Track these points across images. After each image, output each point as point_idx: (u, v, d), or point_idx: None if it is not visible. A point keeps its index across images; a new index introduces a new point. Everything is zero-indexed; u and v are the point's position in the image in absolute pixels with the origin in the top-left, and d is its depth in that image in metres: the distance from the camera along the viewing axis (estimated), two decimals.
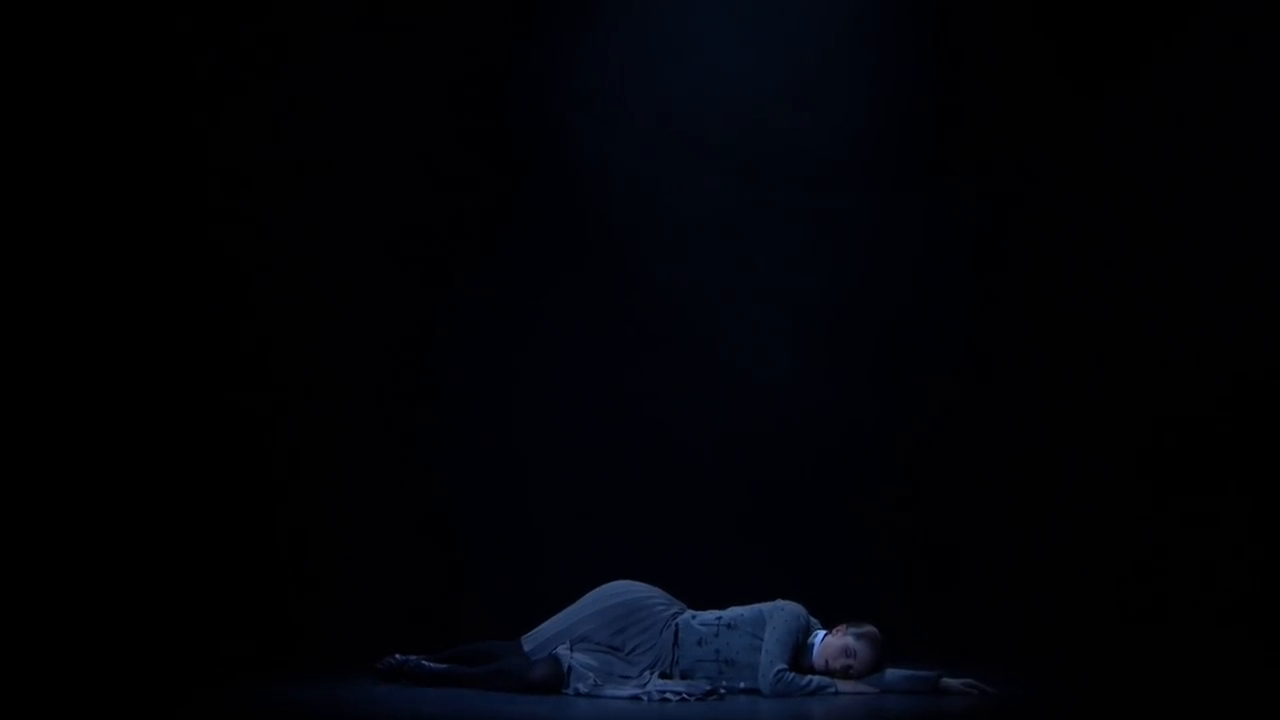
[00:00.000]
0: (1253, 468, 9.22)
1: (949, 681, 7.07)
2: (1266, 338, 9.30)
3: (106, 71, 9.79)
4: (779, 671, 6.95)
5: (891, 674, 7.07)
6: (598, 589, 7.19)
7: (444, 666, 7.17)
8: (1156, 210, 9.49)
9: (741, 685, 7.03)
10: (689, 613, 7.13)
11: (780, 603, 7.11)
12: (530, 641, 7.13)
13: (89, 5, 9.80)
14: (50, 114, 9.74)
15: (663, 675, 7.02)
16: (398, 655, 7.18)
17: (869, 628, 7.08)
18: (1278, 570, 9.09)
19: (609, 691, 6.95)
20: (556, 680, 6.97)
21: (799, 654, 7.04)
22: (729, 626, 7.04)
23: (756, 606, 7.11)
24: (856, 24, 10.04)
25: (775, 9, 10.13)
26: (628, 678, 7.01)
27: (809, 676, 7.01)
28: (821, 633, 7.09)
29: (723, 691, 7.00)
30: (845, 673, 7.03)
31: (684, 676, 7.03)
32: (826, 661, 7.02)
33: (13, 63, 9.63)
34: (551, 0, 10.25)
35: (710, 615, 7.10)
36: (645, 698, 6.91)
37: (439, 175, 10.22)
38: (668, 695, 6.89)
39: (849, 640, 7.03)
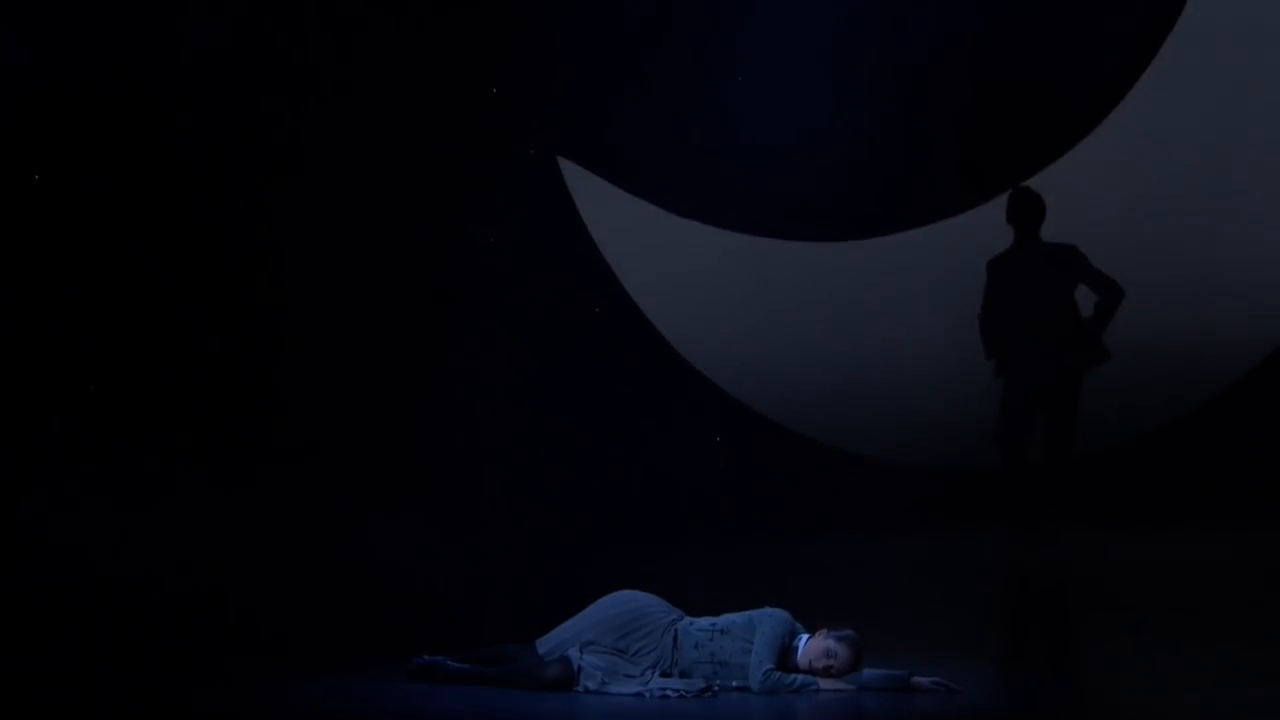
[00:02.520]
0: None
1: (919, 680, 7.14)
2: None
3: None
4: (767, 671, 7.06)
5: (867, 673, 7.16)
6: (604, 598, 7.26)
7: (466, 666, 7.22)
8: None
9: (734, 684, 7.11)
10: (687, 619, 7.21)
11: (768, 609, 7.21)
12: (544, 644, 7.20)
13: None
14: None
15: (663, 674, 7.10)
16: (426, 656, 7.23)
17: (848, 632, 7.19)
18: None
19: (615, 689, 7.04)
20: (568, 679, 7.06)
21: (785, 655, 7.12)
22: (722, 631, 7.14)
23: (747, 613, 7.20)
24: None
25: None
26: (632, 677, 7.08)
27: (794, 675, 7.10)
28: (805, 636, 7.17)
29: (717, 689, 7.07)
30: (827, 672, 7.11)
31: (682, 676, 7.11)
32: (810, 662, 7.12)
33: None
34: None
35: (705, 621, 7.20)
36: (647, 694, 7.01)
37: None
38: (667, 692, 7.00)
39: (830, 643, 7.13)
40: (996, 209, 10.93)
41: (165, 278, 10.45)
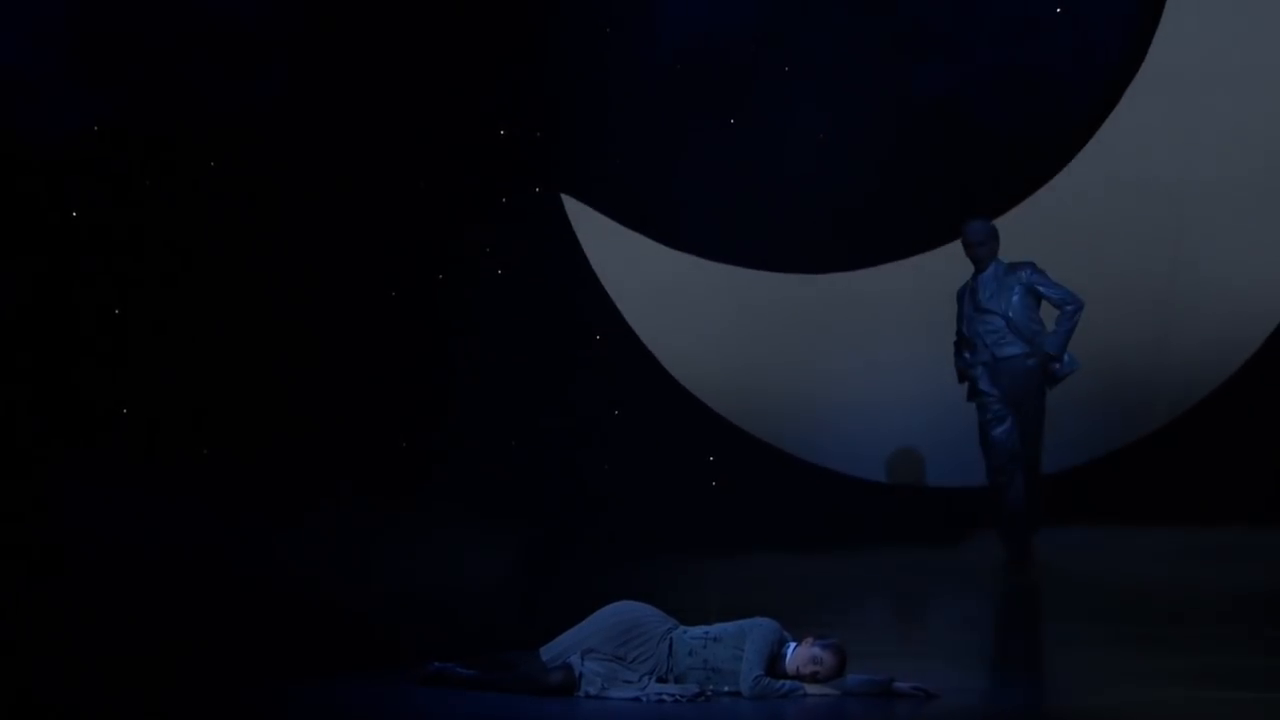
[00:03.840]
0: None
1: (899, 685, 7.10)
2: None
3: None
4: (756, 677, 7.01)
5: (851, 679, 7.11)
6: (604, 608, 7.21)
7: (475, 672, 7.18)
8: None
9: (726, 689, 7.07)
10: (681, 628, 7.17)
11: (757, 619, 7.16)
12: (547, 652, 7.15)
13: None
14: None
15: (659, 680, 7.06)
16: (437, 663, 7.21)
17: (833, 640, 7.13)
18: None
19: (614, 694, 7.00)
20: (570, 684, 7.02)
21: (774, 662, 7.08)
22: (715, 640, 7.10)
23: (738, 622, 7.16)
24: None
25: None
26: (630, 682, 7.05)
27: (782, 681, 7.06)
28: (793, 644, 7.12)
29: (709, 694, 7.03)
30: (813, 677, 7.06)
31: (677, 681, 7.07)
32: (798, 668, 7.07)
33: None
34: None
35: (699, 630, 7.16)
36: (644, 699, 6.97)
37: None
38: (663, 697, 6.96)
39: (816, 650, 7.08)
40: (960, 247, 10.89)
41: (187, 302, 10.50)
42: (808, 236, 11.51)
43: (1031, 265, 10.40)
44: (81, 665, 7.68)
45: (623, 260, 11.63)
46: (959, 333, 10.58)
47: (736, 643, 7.11)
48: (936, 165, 11.43)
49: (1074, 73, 11.48)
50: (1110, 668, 7.85)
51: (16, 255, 10.29)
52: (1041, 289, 10.36)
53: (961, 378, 10.57)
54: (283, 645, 8.30)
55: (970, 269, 10.56)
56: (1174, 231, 11.40)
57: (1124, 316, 11.24)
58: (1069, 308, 10.30)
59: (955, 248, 10.74)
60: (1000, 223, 11.21)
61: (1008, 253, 10.60)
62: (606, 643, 7.10)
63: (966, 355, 10.44)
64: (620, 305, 11.64)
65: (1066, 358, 10.31)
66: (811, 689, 7.09)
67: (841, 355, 11.02)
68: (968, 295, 10.47)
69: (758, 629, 7.13)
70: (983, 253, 10.38)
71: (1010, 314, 10.27)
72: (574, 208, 11.61)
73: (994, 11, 11.38)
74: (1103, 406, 11.17)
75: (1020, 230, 11.24)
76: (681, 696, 6.99)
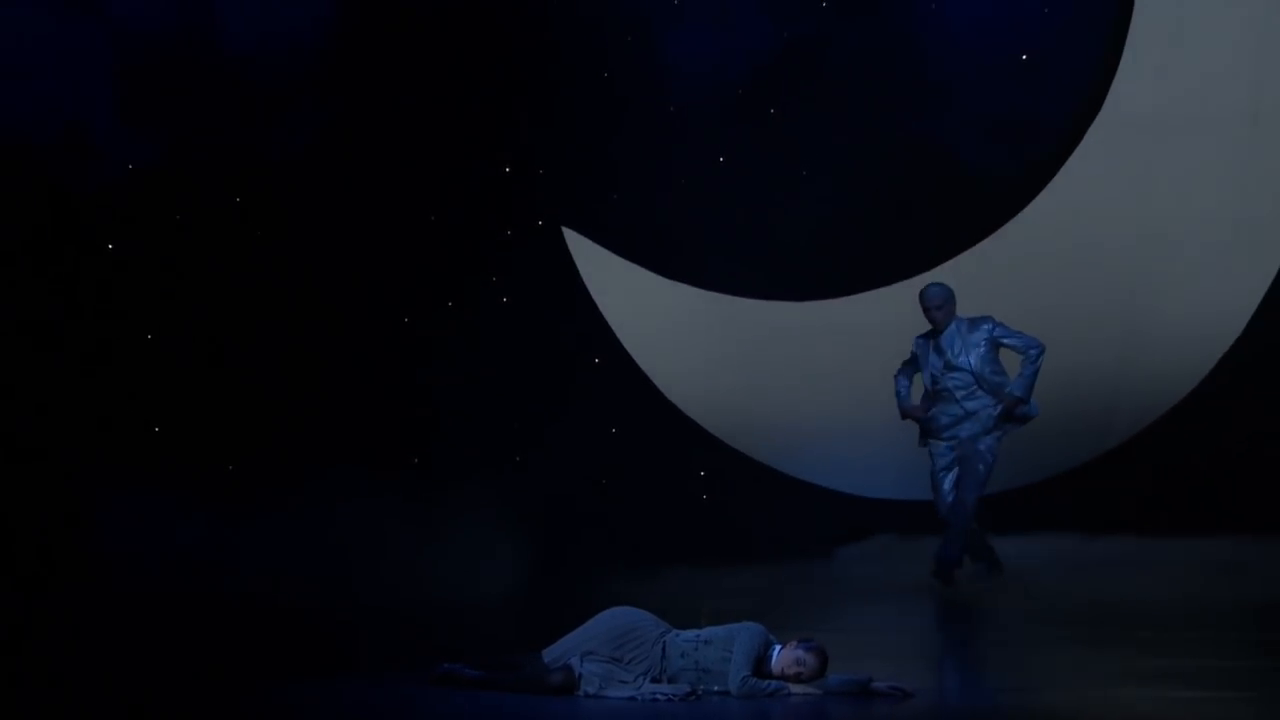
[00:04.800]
0: None
1: (877, 684, 7.10)
2: None
3: None
4: (744, 677, 7.02)
5: (832, 679, 7.12)
6: (602, 613, 7.21)
7: (481, 673, 7.18)
8: None
9: (716, 688, 7.06)
10: (674, 632, 7.17)
11: (745, 624, 7.17)
12: (549, 654, 7.14)
13: None
14: None
15: (654, 680, 7.06)
16: (447, 664, 7.21)
17: (815, 643, 7.14)
18: None
19: (611, 693, 6.99)
20: (570, 684, 7.01)
21: (760, 664, 7.08)
22: (705, 643, 7.10)
23: (727, 626, 7.16)
24: None
25: None
26: (626, 682, 7.04)
27: (768, 681, 7.06)
28: (778, 646, 7.12)
29: (700, 693, 7.04)
30: (797, 678, 7.06)
31: (670, 681, 7.07)
32: (782, 669, 7.07)
33: None
34: None
35: (690, 634, 7.16)
36: (640, 698, 6.97)
37: None
38: (657, 696, 6.97)
39: (800, 652, 7.08)
40: (936, 277, 10.91)
41: (213, 329, 10.57)
42: (793, 266, 11.52)
43: (991, 319, 10.24)
44: (111, 667, 7.69)
45: (619, 289, 11.63)
46: (902, 367, 10.40)
47: (725, 646, 7.11)
48: (913, 200, 11.45)
49: (1039, 115, 11.50)
50: (1075, 668, 7.86)
51: (58, 285, 10.36)
52: (1005, 341, 10.23)
53: (904, 414, 10.41)
54: (300, 647, 8.29)
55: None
56: (1132, 262, 11.44)
57: (1086, 341, 11.26)
58: (1032, 352, 10.20)
59: (930, 276, 10.78)
60: (972, 253, 11.27)
61: (984, 280, 10.64)
62: (604, 645, 7.10)
63: (933, 409, 10.28)
64: (617, 331, 11.64)
65: (1031, 402, 10.23)
66: (795, 688, 7.09)
67: (826, 377, 11.03)
68: (932, 352, 10.28)
69: (745, 633, 7.14)
70: (940, 315, 10.21)
71: (978, 369, 10.16)
72: (574, 240, 11.61)
73: (966, 59, 11.39)
74: (1066, 425, 11.18)
75: (991, 260, 11.30)
76: (674, 696, 6.99)
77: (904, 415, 10.39)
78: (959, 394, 10.21)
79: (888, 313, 11.25)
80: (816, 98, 11.39)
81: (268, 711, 6.89)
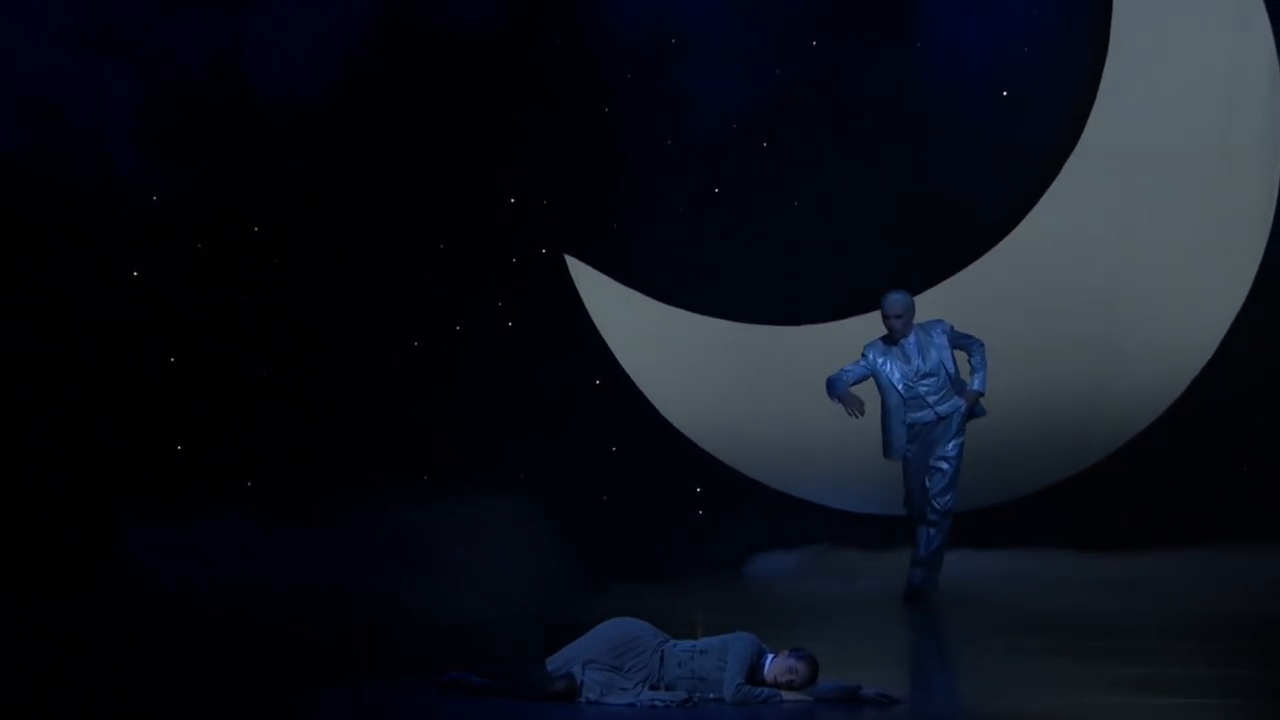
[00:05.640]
0: None
1: (866, 691, 7.10)
2: None
3: None
4: (738, 685, 7.02)
5: (823, 686, 7.12)
6: (602, 623, 7.23)
7: (487, 680, 7.17)
8: None
9: (711, 696, 7.06)
10: (671, 641, 7.18)
11: (739, 634, 7.17)
12: (552, 662, 7.14)
13: None
14: None
15: (652, 688, 7.05)
16: (454, 672, 7.21)
17: (807, 652, 7.15)
18: None
19: (611, 700, 6.99)
20: (572, 692, 7.01)
21: (754, 672, 7.08)
22: (701, 652, 7.10)
23: (722, 637, 7.17)
24: None
25: None
26: (625, 689, 7.03)
27: (761, 688, 7.06)
28: (771, 655, 7.12)
29: (696, 700, 7.03)
30: (789, 685, 7.07)
31: (668, 689, 7.06)
32: (775, 677, 7.08)
33: None
34: None
35: (687, 643, 7.17)
36: (638, 704, 6.95)
37: None
38: (655, 703, 6.95)
39: (792, 661, 7.09)
40: (921, 302, 10.88)
41: (233, 352, 10.60)
42: (785, 292, 11.53)
43: (941, 320, 9.95)
44: (126, 676, 7.67)
45: (619, 314, 11.63)
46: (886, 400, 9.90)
47: (720, 655, 7.10)
48: (901, 228, 11.45)
49: (1021, 147, 11.52)
50: (1052, 677, 7.84)
51: (86, 309, 10.37)
52: (960, 340, 9.91)
53: (840, 401, 9.82)
54: (309, 657, 8.26)
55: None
56: (1109, 286, 11.45)
57: (1065, 361, 11.26)
58: (979, 346, 9.93)
59: (917, 301, 10.76)
60: (955, 280, 11.26)
61: (970, 303, 10.61)
62: (605, 654, 7.09)
63: (905, 418, 9.87)
64: (617, 353, 11.65)
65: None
66: (788, 696, 7.09)
67: (816, 397, 11.02)
68: (897, 360, 9.85)
69: (739, 642, 7.13)
70: (900, 324, 9.83)
71: (951, 368, 9.90)
72: (576, 267, 11.62)
73: (951, 95, 11.42)
74: (1045, 442, 11.18)
75: (975, 284, 11.29)
76: (671, 703, 6.98)
77: (840, 401, 9.81)
78: (931, 398, 9.91)
79: (873, 335, 11.24)
80: (808, 132, 11.41)
81: (278, 716, 6.87)
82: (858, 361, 9.94)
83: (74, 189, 10.70)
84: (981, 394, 9.92)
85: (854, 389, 9.83)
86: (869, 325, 10.97)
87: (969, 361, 9.94)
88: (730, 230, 11.44)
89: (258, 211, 10.92)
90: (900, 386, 9.89)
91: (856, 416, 9.82)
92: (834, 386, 9.85)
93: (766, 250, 11.43)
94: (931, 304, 10.93)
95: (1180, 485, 11.16)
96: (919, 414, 9.90)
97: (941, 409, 9.90)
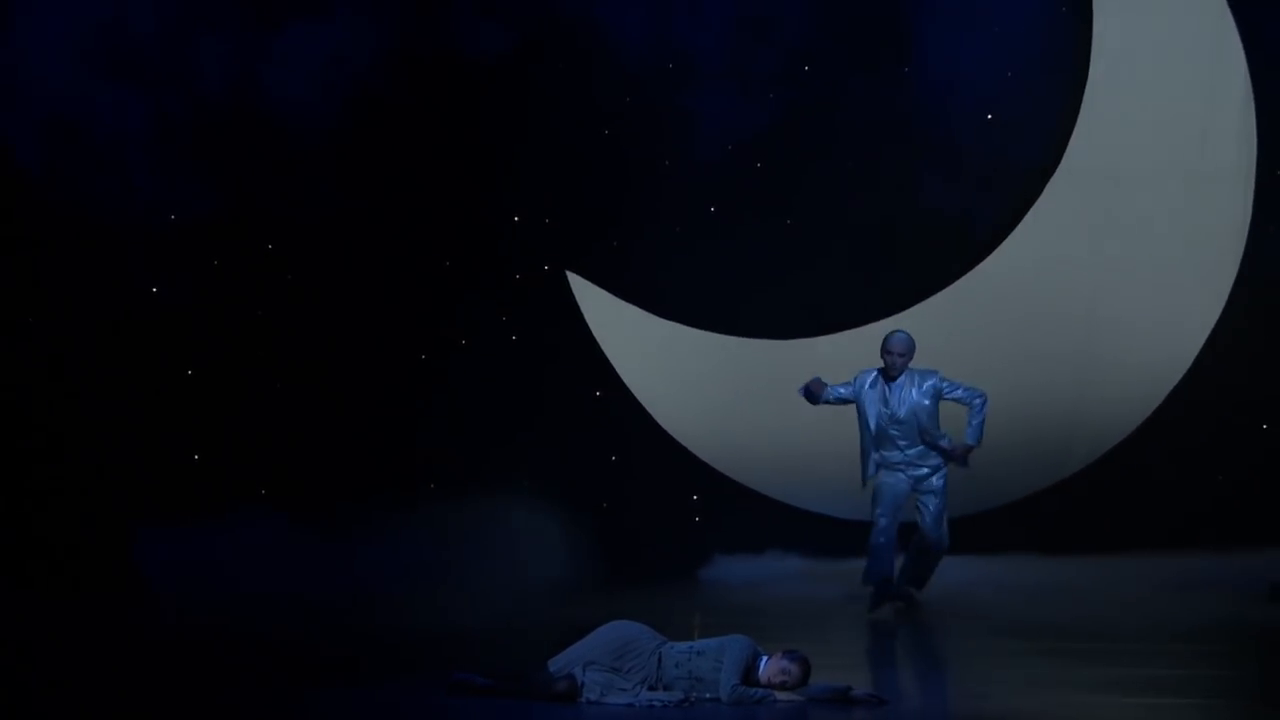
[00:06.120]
0: None
1: (856, 692, 7.15)
2: None
3: None
4: (734, 686, 7.06)
5: (815, 686, 7.16)
6: (602, 626, 7.25)
7: (491, 681, 7.18)
8: None
9: (707, 696, 7.09)
10: (669, 644, 7.20)
11: (734, 636, 7.21)
12: (554, 664, 7.17)
13: None
14: None
15: (650, 688, 7.08)
16: (461, 673, 7.21)
17: (800, 653, 7.18)
18: None
19: (611, 700, 7.01)
20: (573, 692, 7.04)
21: (749, 673, 7.12)
22: (698, 654, 7.12)
23: (718, 639, 7.19)
24: None
25: None
26: (625, 690, 7.05)
27: (756, 689, 7.09)
28: (765, 657, 7.16)
29: (693, 700, 7.06)
30: (782, 686, 7.10)
31: (666, 689, 7.09)
32: (769, 678, 7.11)
33: None
34: None
35: (684, 645, 7.19)
36: (637, 704, 6.97)
37: None
38: (653, 703, 6.98)
39: (785, 663, 7.13)
40: (909, 318, 10.91)
41: (247, 364, 10.62)
42: (778, 307, 11.55)
43: (937, 373, 9.72)
44: (144, 676, 7.68)
45: (618, 327, 11.63)
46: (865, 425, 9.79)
47: (716, 656, 7.12)
48: (889, 245, 11.47)
49: (1005, 168, 11.55)
50: (1036, 678, 7.86)
51: (106, 324, 10.40)
52: (951, 394, 9.70)
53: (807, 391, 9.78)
54: (320, 659, 8.25)
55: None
56: (1089, 302, 11.48)
57: (1045, 376, 11.28)
58: (978, 402, 9.67)
59: (900, 320, 10.78)
60: (944, 294, 11.28)
61: (956, 317, 10.61)
62: (605, 656, 7.11)
63: (874, 453, 9.76)
64: (616, 366, 11.66)
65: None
66: (781, 696, 7.11)
67: (807, 408, 11.05)
68: (879, 396, 9.71)
69: (734, 644, 7.16)
70: (901, 363, 9.67)
71: (924, 423, 9.66)
72: (577, 283, 11.63)
73: (938, 118, 11.44)
74: (1028, 453, 11.19)
75: (962, 299, 11.31)
76: (669, 703, 7.01)
77: (807, 387, 9.74)
78: (901, 443, 9.73)
79: (863, 349, 11.22)
80: (800, 153, 11.44)
81: (290, 714, 6.88)
82: (848, 383, 9.87)
83: (94, 206, 10.74)
84: (972, 447, 9.70)
85: (834, 407, 9.83)
86: (858, 339, 10.99)
87: (967, 414, 9.73)
88: (725, 247, 11.47)
89: (272, 229, 10.97)
90: (873, 424, 9.77)
91: (811, 398, 9.71)
92: (814, 386, 9.76)
93: (759, 267, 11.46)
94: (918, 318, 10.98)
95: (1157, 493, 11.18)
96: (889, 452, 9.75)
97: (910, 454, 9.72)
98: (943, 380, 9.74)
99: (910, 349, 9.78)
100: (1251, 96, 11.28)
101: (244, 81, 10.93)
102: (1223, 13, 11.26)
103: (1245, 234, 11.35)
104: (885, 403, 9.73)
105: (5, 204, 10.53)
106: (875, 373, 9.85)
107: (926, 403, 9.69)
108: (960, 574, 10.41)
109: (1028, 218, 11.53)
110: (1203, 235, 11.41)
